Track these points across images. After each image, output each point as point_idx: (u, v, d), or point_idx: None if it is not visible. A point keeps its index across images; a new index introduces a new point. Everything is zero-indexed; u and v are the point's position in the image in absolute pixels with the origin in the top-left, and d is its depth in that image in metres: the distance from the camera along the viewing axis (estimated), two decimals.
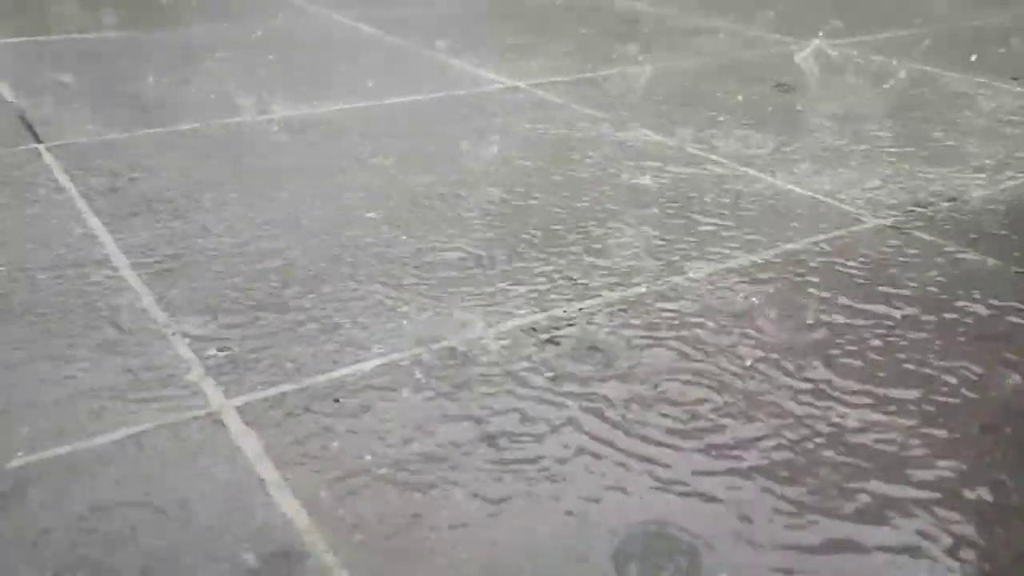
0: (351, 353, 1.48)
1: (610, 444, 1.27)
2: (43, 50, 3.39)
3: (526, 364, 1.45)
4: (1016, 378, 1.45)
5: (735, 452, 1.26)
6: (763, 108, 2.82)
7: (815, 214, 2.04)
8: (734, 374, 1.44)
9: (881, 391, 1.41)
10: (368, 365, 1.45)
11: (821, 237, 1.92)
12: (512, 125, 2.60)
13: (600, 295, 1.66)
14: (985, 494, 1.20)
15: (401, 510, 1.15)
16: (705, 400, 1.38)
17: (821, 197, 2.13)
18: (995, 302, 1.68)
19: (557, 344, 1.51)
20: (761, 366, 1.46)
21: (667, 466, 1.23)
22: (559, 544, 1.10)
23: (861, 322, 1.60)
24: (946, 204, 2.12)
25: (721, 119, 2.70)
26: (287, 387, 1.40)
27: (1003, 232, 1.98)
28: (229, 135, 2.51)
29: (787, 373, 1.45)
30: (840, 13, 4.21)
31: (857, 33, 3.87)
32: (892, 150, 2.47)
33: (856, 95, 2.97)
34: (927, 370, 1.47)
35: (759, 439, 1.29)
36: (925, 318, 1.62)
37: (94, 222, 1.94)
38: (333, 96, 2.86)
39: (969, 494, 1.20)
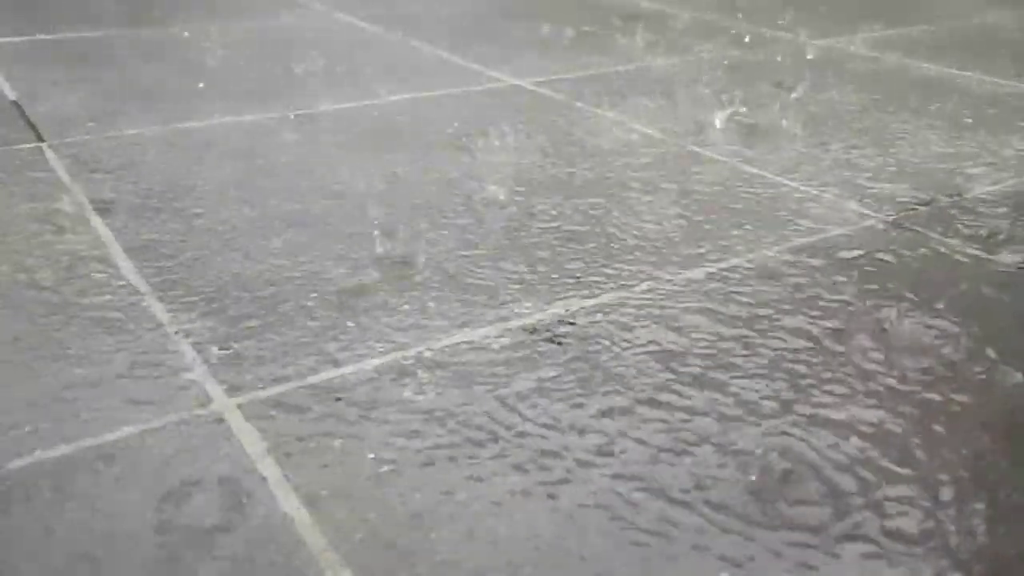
0: (352, 352, 1.49)
1: None
2: (45, 48, 3.40)
3: None
4: (1017, 375, 1.45)
5: None
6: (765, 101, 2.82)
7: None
8: None
9: (873, 387, 1.41)
10: (370, 364, 1.46)
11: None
12: None
13: None
14: (987, 491, 1.20)
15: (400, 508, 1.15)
16: None
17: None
18: (996, 297, 1.68)
19: None
20: None
21: None
22: None
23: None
24: (947, 199, 2.12)
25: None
26: (289, 385, 1.40)
27: (1005, 228, 1.98)
28: (232, 133, 2.51)
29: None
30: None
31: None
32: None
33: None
34: (926, 367, 1.47)
35: None
36: (923, 313, 1.62)
37: (96, 220, 1.95)
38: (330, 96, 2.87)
39: (973, 492, 1.20)
